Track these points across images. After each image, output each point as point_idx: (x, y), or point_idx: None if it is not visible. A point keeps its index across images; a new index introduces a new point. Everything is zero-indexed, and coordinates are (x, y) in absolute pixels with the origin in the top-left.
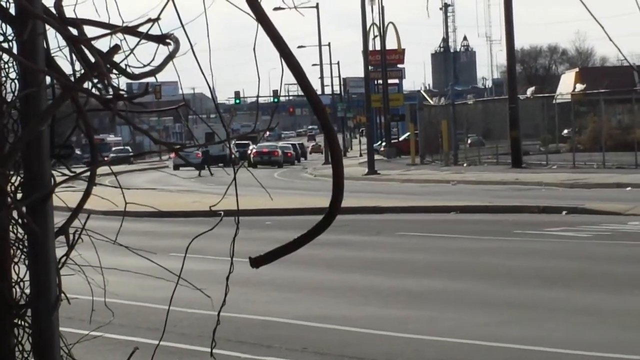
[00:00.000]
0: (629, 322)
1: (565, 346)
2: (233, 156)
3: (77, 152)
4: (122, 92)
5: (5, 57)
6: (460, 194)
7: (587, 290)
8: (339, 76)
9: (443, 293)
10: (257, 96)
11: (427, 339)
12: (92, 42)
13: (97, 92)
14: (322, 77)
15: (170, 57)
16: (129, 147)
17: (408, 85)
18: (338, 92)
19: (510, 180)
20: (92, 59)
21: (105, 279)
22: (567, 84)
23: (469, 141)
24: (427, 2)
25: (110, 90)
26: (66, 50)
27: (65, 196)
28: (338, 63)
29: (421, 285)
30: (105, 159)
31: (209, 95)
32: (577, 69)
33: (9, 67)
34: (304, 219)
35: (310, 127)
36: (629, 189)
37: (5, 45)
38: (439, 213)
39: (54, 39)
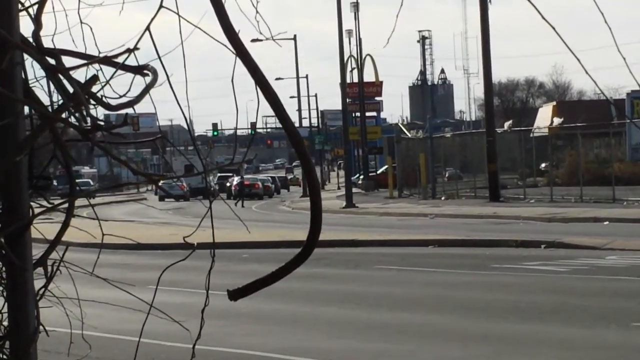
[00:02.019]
0: (602, 356)
1: None
2: (212, 188)
3: (53, 183)
4: (100, 123)
5: None
6: (438, 228)
7: (564, 325)
8: (317, 108)
9: (421, 326)
10: (235, 128)
11: None
12: (70, 72)
13: (76, 123)
14: (299, 110)
15: (148, 88)
16: (90, 180)
17: (386, 117)
18: (316, 124)
19: (488, 214)
20: (70, 89)
21: (83, 311)
22: (545, 118)
23: (447, 174)
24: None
25: (89, 121)
26: (43, 81)
27: (43, 227)
28: (316, 95)
29: (399, 318)
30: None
31: (186, 126)
32: (554, 103)
33: None
34: (281, 252)
35: (281, 161)
36: (606, 223)
37: None
38: (417, 246)
39: (31, 69)
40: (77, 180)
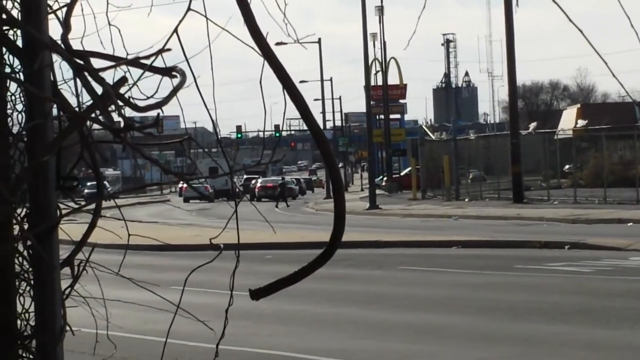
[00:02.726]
0: (628, 357)
1: None
2: (237, 190)
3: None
4: (133, 123)
5: (12, 89)
6: (462, 229)
7: (589, 326)
8: (341, 111)
9: (444, 327)
10: (264, 130)
11: None
12: (99, 74)
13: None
14: (323, 112)
15: (176, 89)
16: (106, 183)
17: (409, 120)
18: (340, 126)
19: (512, 216)
20: (98, 91)
21: (108, 311)
22: (569, 120)
23: (471, 176)
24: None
25: (118, 122)
26: (71, 83)
27: (67, 228)
28: (340, 98)
29: (422, 319)
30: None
31: (211, 129)
32: (578, 105)
33: (15, 99)
34: (304, 253)
35: (304, 163)
36: (630, 224)
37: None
38: (440, 248)
39: (59, 72)
40: (88, 184)
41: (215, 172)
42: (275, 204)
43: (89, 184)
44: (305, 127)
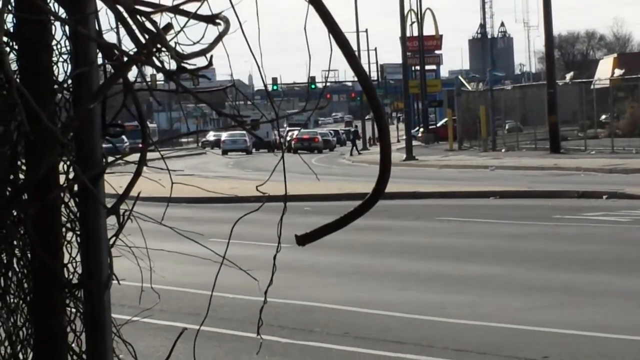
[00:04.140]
0: None
1: (606, 330)
2: (281, 139)
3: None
4: (185, 65)
5: (58, 36)
6: (499, 179)
7: (627, 275)
8: (377, 63)
9: (483, 278)
10: (308, 81)
11: (467, 324)
12: (147, 18)
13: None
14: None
15: (221, 36)
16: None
17: (445, 71)
18: (376, 78)
19: (548, 166)
20: (142, 40)
21: (149, 263)
22: (605, 70)
23: (507, 127)
24: None
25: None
26: (112, 35)
27: (110, 180)
28: (375, 50)
29: (461, 269)
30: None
31: (247, 82)
32: (615, 55)
33: (60, 47)
34: (342, 204)
35: (339, 114)
36: None
37: (56, 25)
38: (478, 198)
39: (104, 22)
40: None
41: (260, 124)
42: (350, 151)
43: (128, 141)
44: (340, 79)
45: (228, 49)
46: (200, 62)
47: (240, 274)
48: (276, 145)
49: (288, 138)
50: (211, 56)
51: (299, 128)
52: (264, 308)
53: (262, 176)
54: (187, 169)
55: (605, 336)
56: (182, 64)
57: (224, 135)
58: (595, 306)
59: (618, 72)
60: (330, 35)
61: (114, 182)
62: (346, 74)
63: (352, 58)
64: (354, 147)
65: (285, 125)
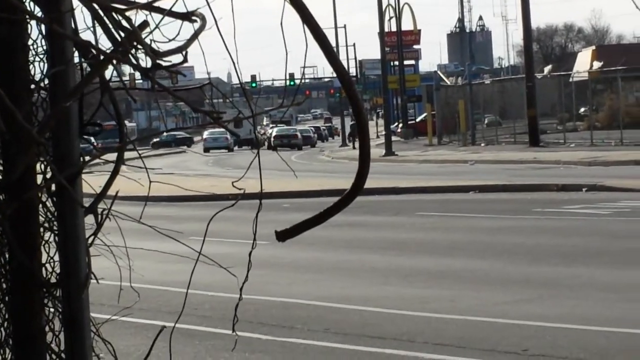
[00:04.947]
0: None
1: (587, 323)
2: (260, 136)
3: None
4: (162, 62)
5: (34, 35)
6: (479, 174)
7: (608, 267)
8: (355, 58)
9: (463, 272)
10: (285, 77)
11: (448, 318)
12: (121, 16)
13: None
14: None
15: (197, 33)
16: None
17: (424, 66)
18: (354, 74)
19: (528, 159)
20: (117, 38)
21: (129, 262)
22: (584, 62)
23: (486, 121)
24: None
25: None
26: (89, 33)
27: (88, 180)
28: (354, 45)
29: (441, 264)
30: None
31: (225, 79)
32: (593, 47)
33: (37, 46)
34: (321, 201)
35: (318, 111)
36: None
37: (32, 24)
38: (457, 193)
39: (79, 20)
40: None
41: (239, 120)
42: (352, 144)
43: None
44: (319, 75)
45: (207, 47)
46: (178, 60)
47: (221, 272)
48: (258, 142)
49: (267, 135)
50: (186, 52)
51: (282, 125)
52: (242, 305)
53: (241, 174)
54: (166, 167)
55: (586, 329)
56: (158, 61)
57: (206, 134)
58: (575, 299)
59: (597, 64)
60: (308, 31)
61: (93, 181)
62: (325, 71)
63: (331, 54)
64: (354, 141)
65: (267, 123)
